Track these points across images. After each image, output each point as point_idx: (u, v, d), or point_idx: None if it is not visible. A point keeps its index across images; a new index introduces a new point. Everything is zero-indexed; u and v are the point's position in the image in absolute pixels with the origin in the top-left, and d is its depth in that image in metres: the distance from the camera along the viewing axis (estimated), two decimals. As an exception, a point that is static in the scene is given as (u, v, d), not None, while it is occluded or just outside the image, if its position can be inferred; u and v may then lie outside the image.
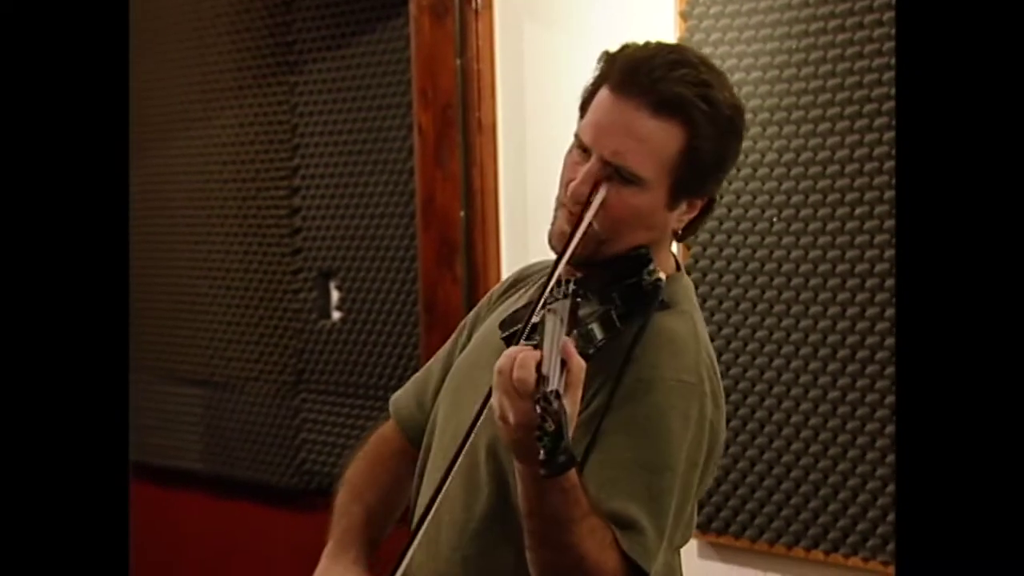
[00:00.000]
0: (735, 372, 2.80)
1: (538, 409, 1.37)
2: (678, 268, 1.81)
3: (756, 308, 2.78)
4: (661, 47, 1.70)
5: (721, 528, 2.84)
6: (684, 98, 1.64)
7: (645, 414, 1.61)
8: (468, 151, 3.28)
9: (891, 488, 2.59)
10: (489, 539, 1.71)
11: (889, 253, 2.57)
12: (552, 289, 1.64)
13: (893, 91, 2.54)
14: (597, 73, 1.72)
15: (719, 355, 2.83)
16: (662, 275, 1.67)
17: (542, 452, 1.36)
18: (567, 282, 1.65)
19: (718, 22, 2.81)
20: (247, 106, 3.90)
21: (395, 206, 3.55)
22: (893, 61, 2.54)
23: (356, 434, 3.66)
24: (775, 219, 2.74)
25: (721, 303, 2.83)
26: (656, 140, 1.65)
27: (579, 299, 1.62)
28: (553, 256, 1.72)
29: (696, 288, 2.83)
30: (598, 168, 1.67)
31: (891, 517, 2.59)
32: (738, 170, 2.78)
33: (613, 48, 1.74)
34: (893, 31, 2.54)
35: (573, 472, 1.50)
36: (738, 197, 2.79)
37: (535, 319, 1.58)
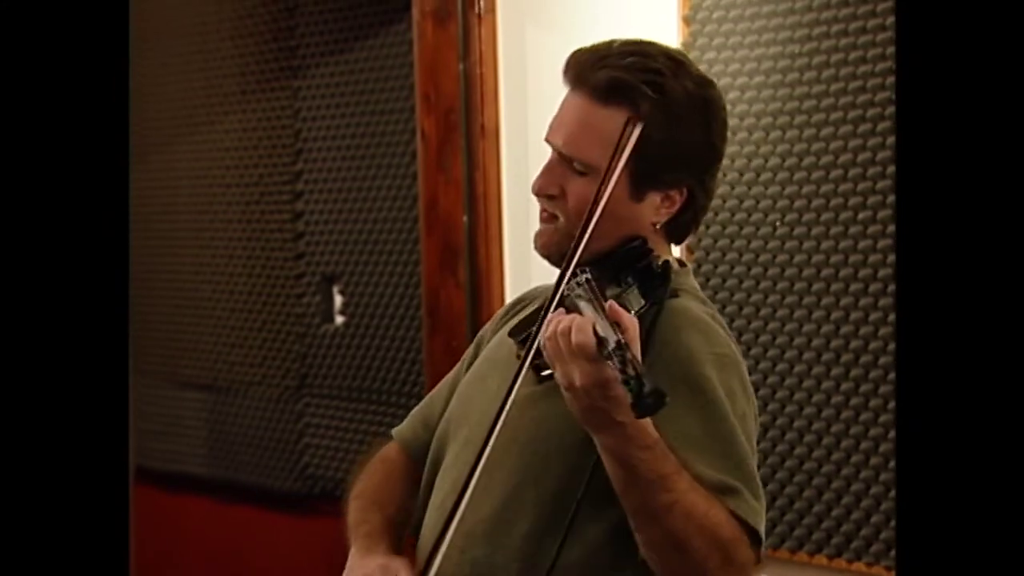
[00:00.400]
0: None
1: (615, 361, 1.39)
2: (682, 266, 1.82)
3: (759, 313, 2.78)
4: (620, 41, 1.71)
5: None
6: (628, 84, 1.65)
7: (700, 389, 1.61)
8: (471, 155, 3.28)
9: (894, 493, 2.59)
10: (498, 539, 1.69)
11: (892, 259, 2.56)
12: (567, 283, 1.62)
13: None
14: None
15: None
16: (669, 258, 1.68)
17: (630, 396, 1.37)
18: (580, 272, 1.64)
19: (721, 27, 2.81)
20: (250, 111, 3.91)
21: (398, 210, 3.55)
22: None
23: (360, 439, 3.66)
24: (778, 224, 2.74)
25: (724, 307, 2.82)
26: (603, 127, 1.66)
27: (595, 284, 1.61)
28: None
29: (699, 293, 2.84)
30: (557, 161, 1.70)
31: (894, 523, 2.59)
32: (741, 175, 2.78)
33: None
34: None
35: (653, 430, 1.50)
36: (741, 202, 2.79)
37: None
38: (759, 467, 2.74)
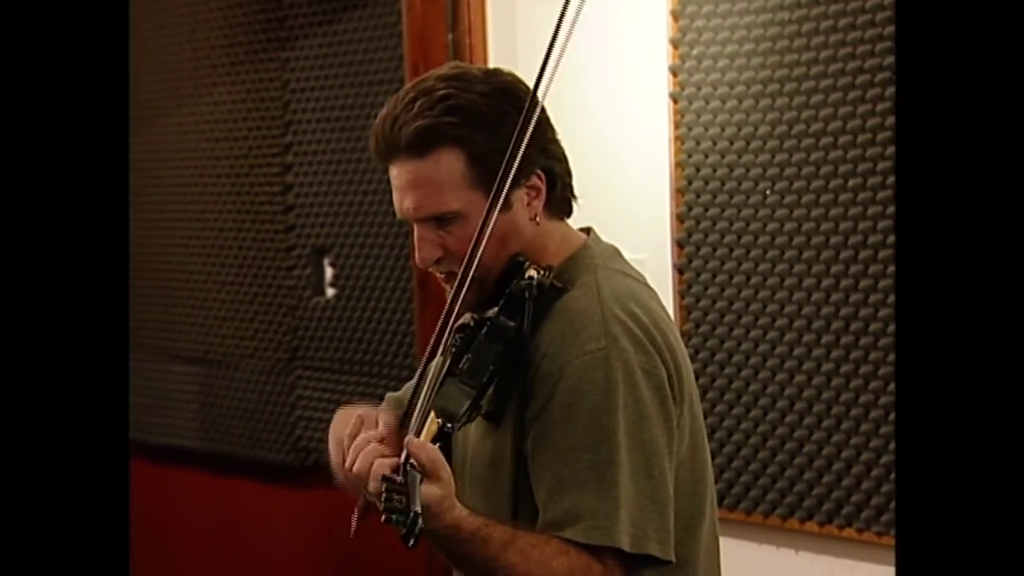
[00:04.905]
0: (729, 345, 2.82)
1: (383, 490, 1.46)
2: (587, 238, 1.82)
3: (749, 282, 2.78)
4: (399, 95, 1.74)
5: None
6: (430, 127, 1.68)
7: (566, 402, 1.64)
8: (461, 126, 3.27)
9: (884, 460, 2.60)
10: None
11: (882, 226, 2.57)
12: (443, 349, 1.70)
13: (886, 62, 2.54)
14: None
15: (712, 328, 2.84)
16: (534, 272, 1.69)
17: (401, 530, 1.44)
18: (451, 333, 1.71)
19: (710, -6, 2.80)
20: (239, 82, 3.89)
21: (388, 182, 3.53)
22: (886, 32, 2.53)
23: (351, 410, 3.66)
24: (767, 193, 2.74)
25: (714, 276, 2.83)
26: (438, 175, 1.70)
27: (461, 347, 1.68)
28: None
29: (689, 263, 2.85)
30: (422, 228, 1.73)
31: (884, 489, 2.60)
32: (730, 143, 2.78)
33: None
34: (885, 0, 2.53)
35: (468, 520, 1.57)
36: (730, 171, 2.79)
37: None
38: (750, 436, 2.78)
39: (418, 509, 1.44)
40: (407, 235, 3.48)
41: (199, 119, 4.02)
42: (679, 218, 2.88)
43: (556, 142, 1.78)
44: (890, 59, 2.53)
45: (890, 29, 2.52)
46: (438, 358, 1.70)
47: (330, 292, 3.74)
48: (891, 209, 2.55)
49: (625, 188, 2.95)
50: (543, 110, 1.72)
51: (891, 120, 2.54)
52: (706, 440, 1.80)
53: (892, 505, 2.60)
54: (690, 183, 2.86)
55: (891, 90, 2.53)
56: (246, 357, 3.95)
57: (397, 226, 3.52)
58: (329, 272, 3.74)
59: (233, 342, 3.98)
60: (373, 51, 3.54)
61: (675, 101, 2.87)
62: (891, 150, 2.54)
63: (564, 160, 1.79)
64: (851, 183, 2.61)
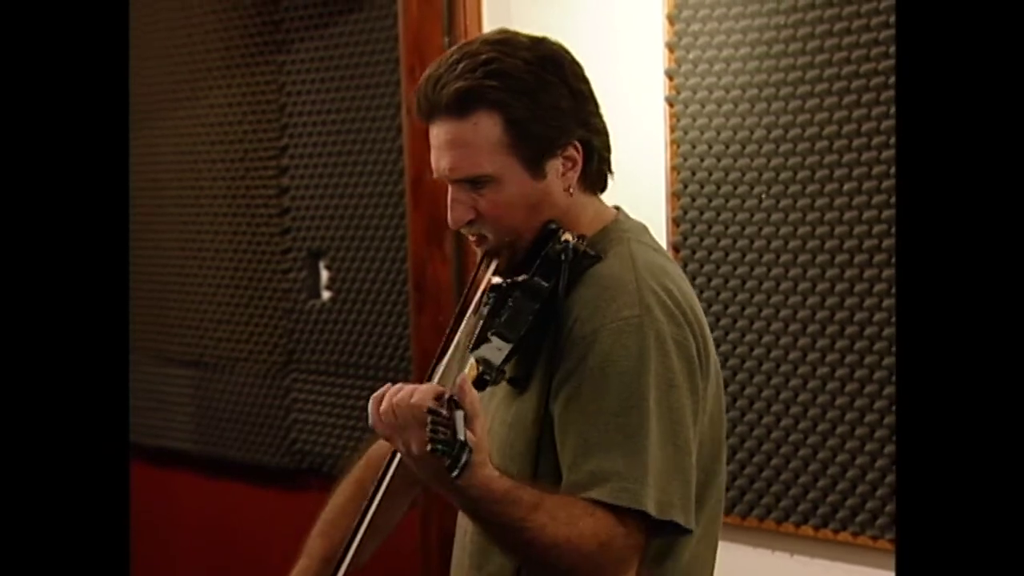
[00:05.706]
0: (724, 349, 2.82)
1: (429, 421, 1.45)
2: (618, 214, 1.84)
3: (745, 286, 2.78)
4: (444, 56, 1.75)
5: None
6: (470, 89, 1.69)
7: (598, 365, 1.65)
8: (457, 129, 3.27)
9: (879, 463, 2.60)
10: None
11: (878, 229, 2.57)
12: (475, 308, 1.71)
13: (881, 66, 2.54)
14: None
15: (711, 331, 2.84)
16: (569, 236, 1.71)
17: (446, 460, 1.44)
18: (484, 293, 1.73)
19: (706, -3, 2.81)
20: (235, 85, 3.89)
21: (384, 185, 3.55)
22: (881, 36, 2.54)
23: (347, 413, 3.66)
24: (763, 196, 2.74)
25: (710, 280, 2.83)
26: (475, 137, 1.71)
27: (495, 304, 1.69)
28: None
29: (684, 266, 2.85)
30: (456, 190, 1.74)
31: (879, 492, 2.61)
32: (726, 147, 2.78)
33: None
34: (881, 4, 2.54)
35: (499, 481, 1.57)
36: (726, 175, 2.79)
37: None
38: (744, 440, 2.78)
39: (463, 438, 1.44)
40: (403, 238, 3.48)
41: (195, 122, 4.02)
42: (675, 222, 2.88)
43: (598, 115, 1.79)
44: (885, 63, 2.53)
45: (886, 33, 2.53)
46: (468, 318, 1.72)
47: (326, 295, 3.74)
48: (887, 213, 2.55)
49: (620, 191, 2.94)
50: (587, 82, 1.76)
51: (886, 124, 2.54)
52: (725, 421, 1.80)
53: (888, 509, 2.60)
54: (686, 187, 2.86)
55: (886, 94, 2.54)
56: (241, 360, 3.94)
57: (393, 229, 3.53)
58: (325, 275, 3.74)
59: (228, 345, 3.98)
60: (369, 54, 3.54)
61: (671, 105, 2.88)
62: (886, 154, 2.54)
63: (604, 134, 1.79)
64: (846, 187, 2.61)
